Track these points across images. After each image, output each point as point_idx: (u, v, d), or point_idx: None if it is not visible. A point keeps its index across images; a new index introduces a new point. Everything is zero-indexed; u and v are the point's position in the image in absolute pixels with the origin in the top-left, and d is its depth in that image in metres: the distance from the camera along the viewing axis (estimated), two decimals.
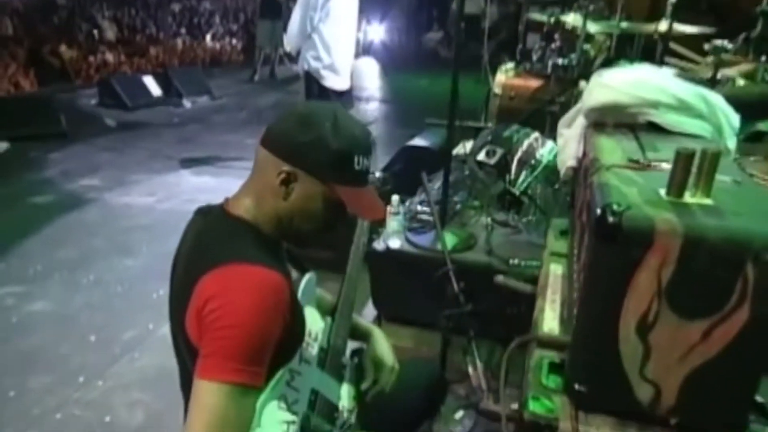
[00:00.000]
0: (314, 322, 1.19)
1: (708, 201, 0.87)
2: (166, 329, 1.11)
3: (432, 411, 1.59)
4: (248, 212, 1.07)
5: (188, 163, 4.90)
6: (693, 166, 0.88)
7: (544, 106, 2.84)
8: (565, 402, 0.95)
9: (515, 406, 0.98)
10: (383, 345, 1.36)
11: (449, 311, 1.79)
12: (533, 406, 0.95)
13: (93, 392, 2.20)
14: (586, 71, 2.81)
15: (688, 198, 0.88)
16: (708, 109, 1.32)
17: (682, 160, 0.86)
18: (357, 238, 1.45)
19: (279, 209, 1.05)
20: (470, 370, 1.78)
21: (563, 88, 2.77)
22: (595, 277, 0.86)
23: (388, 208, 2.32)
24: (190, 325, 0.97)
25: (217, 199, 1.14)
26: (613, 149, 1.15)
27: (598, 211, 0.83)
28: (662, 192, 0.90)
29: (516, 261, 2.15)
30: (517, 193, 2.25)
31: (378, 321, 2.43)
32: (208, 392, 0.89)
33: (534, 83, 3.03)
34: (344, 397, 1.22)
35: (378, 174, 3.37)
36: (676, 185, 0.87)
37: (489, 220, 2.46)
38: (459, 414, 2.08)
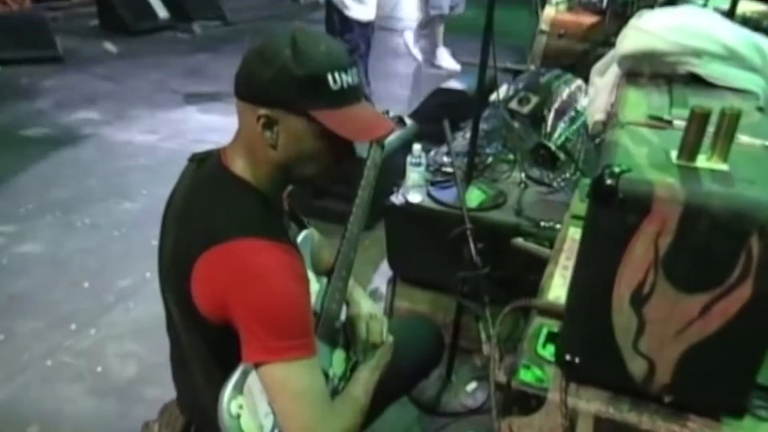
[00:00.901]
0: (310, 284, 1.24)
1: (723, 166, 0.91)
2: None
3: (428, 369, 1.72)
4: (245, 171, 1.12)
5: (196, 98, 5.00)
6: (709, 127, 0.92)
7: (597, 48, 2.81)
8: (557, 373, 1.03)
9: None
10: (364, 301, 1.46)
11: (463, 274, 1.87)
12: (523, 375, 1.03)
13: (85, 341, 2.39)
14: (647, 8, 2.75)
15: (701, 162, 0.92)
16: (763, 61, 1.32)
17: (697, 119, 0.90)
18: (364, 185, 1.48)
19: (273, 161, 1.10)
20: (483, 338, 1.86)
21: (620, 27, 2.73)
22: (591, 242, 0.93)
23: (409, 159, 2.37)
24: (205, 303, 1.07)
25: (226, 140, 1.19)
26: (637, 103, 1.18)
27: (598, 172, 0.88)
28: (674, 154, 0.94)
29: (548, 224, 2.20)
30: (553, 147, 2.27)
31: (393, 282, 2.55)
32: (284, 372, 1.03)
33: (587, 20, 2.98)
34: (335, 363, 1.32)
35: (407, 120, 3.43)
36: (689, 147, 0.92)
37: (522, 176, 2.51)
38: (471, 386, 2.22)
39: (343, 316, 1.40)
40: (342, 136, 1.05)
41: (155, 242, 1.20)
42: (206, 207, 1.11)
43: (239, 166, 1.12)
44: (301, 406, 1.04)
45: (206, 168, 1.17)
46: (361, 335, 1.38)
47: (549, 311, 1.14)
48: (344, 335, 1.40)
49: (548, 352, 1.07)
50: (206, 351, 1.15)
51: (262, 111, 1.05)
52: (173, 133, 4.31)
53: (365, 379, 1.29)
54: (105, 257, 2.91)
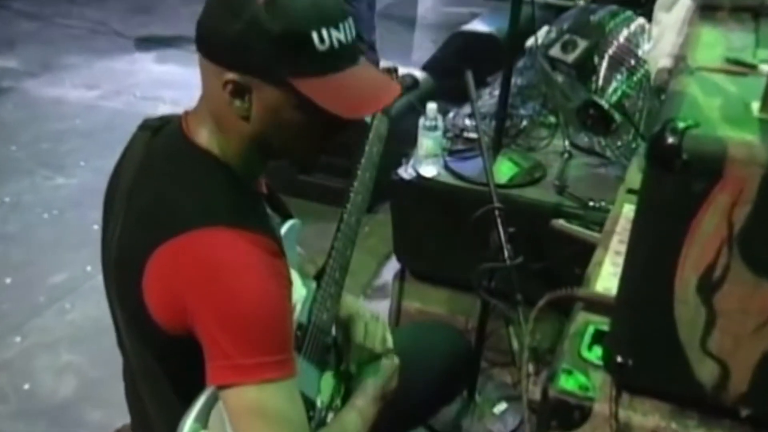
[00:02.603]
0: (296, 289, 1.26)
1: None
2: None
3: (451, 393, 1.77)
4: (211, 144, 1.14)
5: (147, 43, 5.03)
6: None
7: None
8: (605, 379, 1.06)
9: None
10: (362, 307, 1.51)
11: (489, 265, 1.91)
12: (564, 382, 1.07)
13: (8, 351, 2.45)
14: None
15: None
16: None
17: None
18: (365, 164, 1.53)
19: (245, 135, 1.11)
20: (515, 346, 1.91)
21: None
22: (647, 217, 0.96)
23: (421, 122, 2.40)
24: (160, 307, 1.09)
25: (188, 99, 1.21)
26: (713, 44, 1.22)
27: (657, 128, 0.92)
28: (755, 106, 0.98)
29: (598, 203, 2.25)
30: (606, 106, 2.30)
31: (400, 277, 2.61)
32: (254, 397, 1.04)
33: None
34: (324, 389, 1.35)
35: (417, 73, 3.44)
36: None
37: (566, 144, 2.54)
38: (500, 407, 2.29)
39: (334, 331, 1.44)
40: (332, 112, 1.05)
41: (97, 227, 1.23)
42: (162, 188, 1.12)
43: (204, 137, 1.14)
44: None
45: (162, 138, 1.19)
46: (357, 339, 1.42)
47: (596, 304, 1.18)
48: (336, 355, 1.43)
49: (595, 354, 1.11)
50: (160, 370, 1.17)
51: (230, 75, 1.05)
52: (117, 89, 4.35)
53: (361, 410, 1.31)
54: (32, 246, 2.96)
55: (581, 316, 1.19)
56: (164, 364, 1.16)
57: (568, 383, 1.07)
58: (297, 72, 1.03)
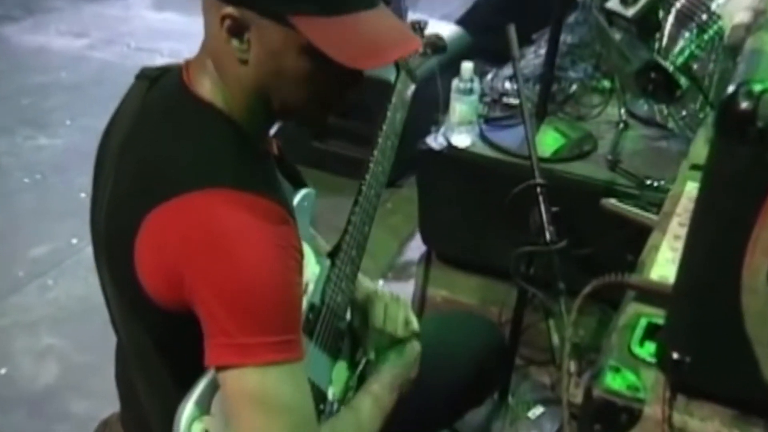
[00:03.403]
0: (308, 266, 1.29)
1: None
2: None
3: (481, 393, 1.79)
4: (214, 95, 1.14)
5: None
6: None
7: None
8: (658, 379, 1.06)
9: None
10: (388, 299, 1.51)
11: (528, 249, 1.93)
12: (610, 380, 1.06)
13: None
14: None
15: None
16: None
17: None
18: (386, 132, 1.54)
19: (246, 83, 1.12)
20: (554, 341, 1.92)
21: None
22: (713, 193, 0.95)
23: (455, 84, 2.40)
24: (154, 279, 1.10)
25: (188, 51, 1.21)
26: None
27: (729, 90, 0.91)
28: None
29: (658, 182, 2.26)
30: (671, 68, 2.28)
31: (426, 261, 2.65)
32: (256, 381, 1.05)
33: None
34: (336, 379, 1.37)
35: (452, 27, 3.42)
36: None
37: (622, 112, 2.54)
38: (536, 411, 2.31)
39: (350, 315, 1.46)
40: (335, 60, 1.05)
41: (85, 195, 1.24)
42: (158, 145, 1.13)
43: (206, 88, 1.14)
44: (276, 431, 1.07)
45: (160, 89, 1.20)
46: (376, 322, 1.44)
47: (651, 293, 1.17)
48: (351, 342, 1.45)
49: (647, 350, 1.11)
50: (155, 351, 1.19)
51: (227, 9, 1.05)
52: (109, 38, 4.37)
53: (376, 398, 1.33)
54: (11, 214, 3.00)
55: (632, 308, 1.18)
56: (160, 344, 1.17)
57: (615, 382, 1.06)
58: (299, 8, 1.04)
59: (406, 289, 2.66)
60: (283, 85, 1.12)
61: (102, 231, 1.19)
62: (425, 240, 2.64)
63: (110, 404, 1.40)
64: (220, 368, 1.06)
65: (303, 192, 1.35)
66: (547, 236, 1.84)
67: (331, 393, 1.34)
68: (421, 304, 2.60)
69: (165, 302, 1.10)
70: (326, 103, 1.18)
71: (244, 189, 1.07)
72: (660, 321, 1.14)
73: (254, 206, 1.07)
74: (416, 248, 2.73)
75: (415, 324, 1.49)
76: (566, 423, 1.12)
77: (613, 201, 1.79)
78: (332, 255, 1.42)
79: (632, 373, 1.08)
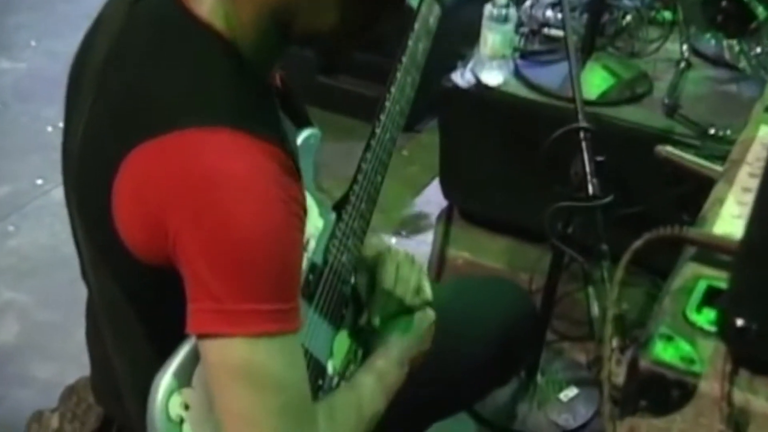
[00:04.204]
0: (310, 219, 1.26)
1: None
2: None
3: (507, 370, 1.79)
4: (215, 14, 1.10)
5: None
6: None
7: None
8: (718, 350, 1.05)
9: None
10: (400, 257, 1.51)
11: (566, 204, 1.93)
12: (660, 350, 1.05)
13: None
14: None
15: None
16: None
17: None
18: (406, 64, 1.52)
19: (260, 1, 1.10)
20: (594, 313, 1.91)
21: None
22: None
23: (486, 10, 2.37)
24: (133, 227, 1.08)
25: None
26: None
27: None
28: None
29: (723, 131, 2.25)
30: None
31: (446, 218, 2.64)
32: (244, 354, 1.04)
33: None
34: (338, 351, 1.37)
35: None
36: None
37: (684, 49, 2.50)
38: (569, 392, 2.31)
39: (353, 278, 1.45)
40: None
41: (52, 128, 1.21)
42: (143, 71, 1.11)
43: (205, 4, 1.11)
44: (264, 412, 1.06)
45: (149, 6, 1.17)
46: (386, 284, 1.44)
47: (714, 248, 1.16)
48: (354, 309, 1.45)
49: (705, 318, 1.10)
50: (131, 311, 1.18)
51: None
52: None
53: (381, 374, 1.33)
54: None
55: (690, 268, 1.17)
56: (137, 303, 1.17)
57: (666, 352, 1.05)
58: None
59: (422, 251, 2.64)
60: (311, 2, 1.11)
61: (75, 167, 1.18)
62: (446, 193, 2.64)
63: (77, 368, 1.40)
64: (203, 337, 1.05)
65: (307, 132, 1.34)
66: (590, 190, 1.84)
67: (331, 366, 1.34)
68: (438, 267, 2.60)
69: (145, 255, 1.09)
70: (359, 30, 1.17)
71: (244, 130, 1.05)
72: (722, 284, 1.13)
73: (255, 151, 1.05)
74: (435, 203, 2.71)
75: (427, 292, 1.48)
76: (607, 401, 1.09)
77: (669, 148, 1.77)
78: (338, 207, 1.41)
79: (687, 342, 1.07)
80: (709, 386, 1.03)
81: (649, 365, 1.05)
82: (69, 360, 1.41)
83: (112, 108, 1.11)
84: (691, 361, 1.05)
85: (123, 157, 1.05)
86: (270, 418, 1.06)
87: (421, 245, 2.72)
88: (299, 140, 1.32)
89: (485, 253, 2.57)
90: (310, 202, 1.25)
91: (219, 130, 1.03)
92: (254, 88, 1.13)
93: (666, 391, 1.04)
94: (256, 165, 1.04)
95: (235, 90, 1.09)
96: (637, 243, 1.17)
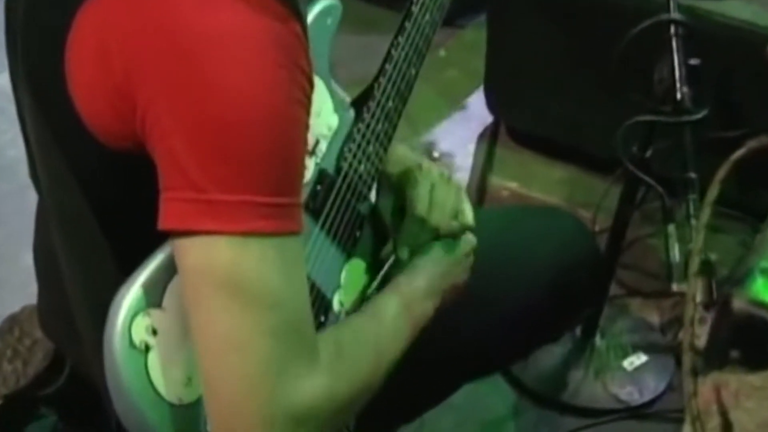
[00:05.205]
0: (321, 114, 1.28)
1: None
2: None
3: (558, 324, 1.78)
4: None
5: None
6: None
7: None
8: None
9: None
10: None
11: (645, 118, 1.89)
12: (760, 288, 1.03)
13: None
14: None
15: None
16: None
17: None
18: None
19: None
20: (674, 258, 1.87)
21: None
22: None
23: None
24: (92, 96, 1.07)
25: None
26: None
27: None
28: None
29: None
30: None
31: (491, 137, 2.65)
32: (231, 258, 1.01)
33: None
34: (347, 282, 1.36)
35: None
36: None
37: None
38: (635, 359, 2.28)
39: (374, 195, 1.44)
40: None
41: None
42: None
43: None
44: (253, 332, 1.03)
45: None
46: (417, 207, 1.42)
47: None
48: (374, 233, 1.44)
49: None
50: (90, 214, 1.17)
51: None
52: None
53: (407, 303, 1.31)
54: None
55: None
56: (99, 204, 1.15)
57: (763, 290, 1.03)
58: None
59: (458, 177, 2.60)
60: None
61: (20, 26, 1.16)
62: (491, 106, 2.62)
63: (19, 296, 1.41)
64: (179, 234, 1.02)
65: (324, 3, 1.30)
66: (678, 96, 1.79)
67: (338, 302, 1.33)
68: (479, 199, 2.58)
69: (109, 137, 1.07)
70: None
71: None
72: None
73: (255, 7, 1.02)
74: (477, 118, 2.68)
75: (468, 216, 1.47)
76: (687, 364, 1.04)
77: None
78: (358, 104, 1.39)
79: None
80: None
81: (745, 306, 1.05)
82: (8, 287, 1.42)
83: None
84: None
85: (78, 5, 1.04)
86: (260, 341, 1.02)
87: (458, 171, 2.68)
88: (312, 13, 1.29)
89: (538, 183, 2.56)
90: (322, 90, 1.27)
91: None
92: None
93: (764, 337, 1.03)
94: (250, 19, 1.02)
95: None
96: (739, 152, 1.13)
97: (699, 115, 1.80)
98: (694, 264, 1.12)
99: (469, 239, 1.45)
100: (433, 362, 1.39)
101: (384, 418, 1.33)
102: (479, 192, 2.60)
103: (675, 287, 1.83)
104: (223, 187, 1.00)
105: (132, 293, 1.07)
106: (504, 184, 2.57)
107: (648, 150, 2.00)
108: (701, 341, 1.07)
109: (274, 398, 1.02)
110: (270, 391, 1.02)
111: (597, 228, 2.34)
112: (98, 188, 1.14)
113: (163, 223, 1.02)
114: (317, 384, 1.05)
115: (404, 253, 1.41)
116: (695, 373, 1.04)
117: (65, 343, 1.34)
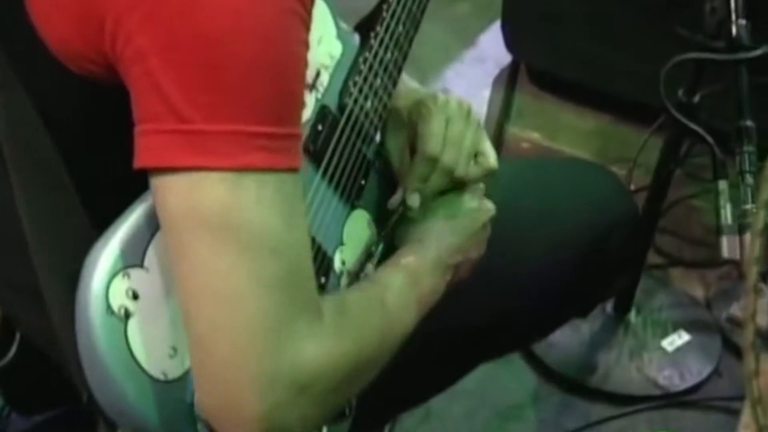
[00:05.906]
0: (322, 41, 1.30)
1: None
2: None
3: (587, 296, 1.77)
4: None
5: None
6: None
7: None
8: None
9: None
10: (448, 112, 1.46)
11: (693, 56, 1.89)
12: None
13: None
14: None
15: None
16: None
17: None
18: None
19: None
20: (724, 220, 1.85)
21: None
22: None
23: None
24: (52, 16, 1.06)
25: None
26: None
27: None
28: None
29: None
30: None
31: (510, 81, 2.63)
32: (218, 193, 1.00)
33: None
34: (349, 238, 1.36)
35: None
36: None
37: None
38: (676, 339, 2.28)
39: (378, 136, 1.44)
40: None
41: None
42: None
43: None
44: (249, 281, 1.03)
45: None
46: (430, 145, 1.40)
47: None
48: (380, 180, 1.44)
49: None
50: (55, 157, 1.16)
51: None
52: None
53: (415, 276, 1.30)
54: None
55: None
56: (65, 144, 1.14)
57: None
58: None
59: None
60: None
61: None
62: (509, 44, 2.61)
63: None
64: (161, 172, 1.01)
65: None
66: (734, 32, 1.78)
67: (340, 260, 1.33)
68: (496, 149, 2.56)
69: (73, 57, 1.06)
70: None
71: None
72: None
73: None
74: (493, 58, 2.68)
75: (491, 158, 1.47)
76: (750, 355, 1.02)
77: None
78: (364, 29, 1.39)
79: None
80: None
81: None
82: None
83: None
84: None
85: None
86: (258, 292, 1.02)
87: None
88: None
89: (563, 134, 2.57)
90: (323, 9, 1.28)
91: None
92: None
93: None
94: None
95: None
96: None
97: (757, 52, 1.79)
98: (759, 219, 1.09)
99: (487, 207, 1.45)
100: (443, 337, 1.41)
101: (387, 400, 1.34)
102: (496, 143, 2.56)
103: (725, 253, 1.83)
104: (212, 116, 1.00)
105: (108, 251, 1.07)
106: (524, 134, 2.58)
107: (696, 95, 1.99)
108: (763, 319, 1.05)
109: (274, 358, 1.02)
110: (270, 350, 1.02)
111: (633, 187, 2.34)
112: (65, 123, 1.14)
113: (140, 160, 1.01)
114: (321, 346, 1.05)
115: (414, 201, 1.41)
116: (757, 348, 1.02)
117: (16, 307, 1.35)
